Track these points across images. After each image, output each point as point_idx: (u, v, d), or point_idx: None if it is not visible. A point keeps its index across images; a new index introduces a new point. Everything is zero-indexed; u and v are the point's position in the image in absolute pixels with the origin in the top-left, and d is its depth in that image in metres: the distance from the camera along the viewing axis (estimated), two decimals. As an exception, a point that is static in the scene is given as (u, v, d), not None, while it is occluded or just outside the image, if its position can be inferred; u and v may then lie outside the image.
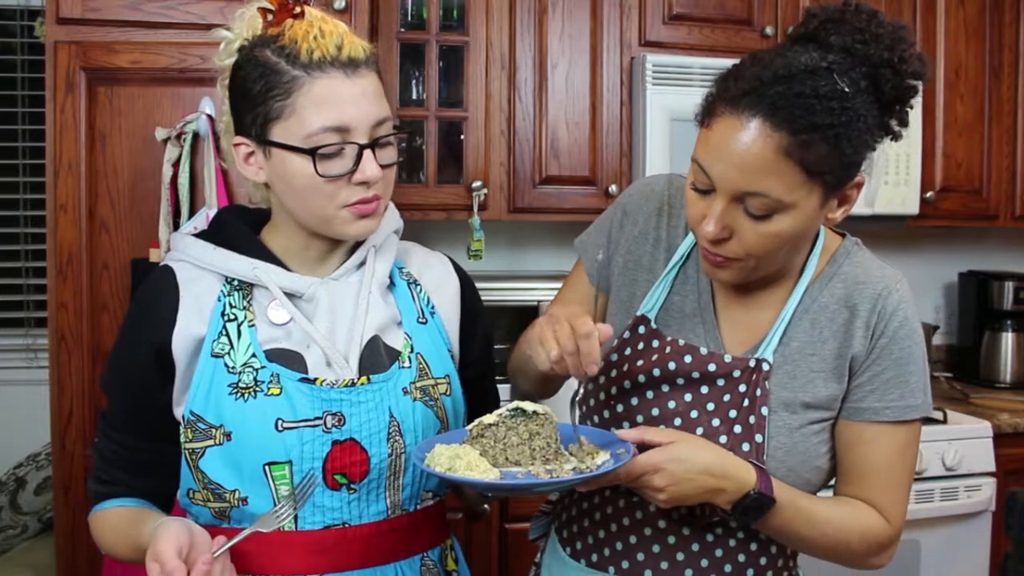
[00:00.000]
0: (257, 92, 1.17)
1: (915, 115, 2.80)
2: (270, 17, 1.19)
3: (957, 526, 2.59)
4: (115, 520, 1.23)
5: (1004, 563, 1.50)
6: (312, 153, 1.14)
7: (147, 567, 1.05)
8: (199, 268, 1.23)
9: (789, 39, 1.17)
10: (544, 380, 1.30)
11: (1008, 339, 3.17)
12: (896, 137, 1.17)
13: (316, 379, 1.19)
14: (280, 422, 1.16)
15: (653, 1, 2.68)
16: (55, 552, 2.10)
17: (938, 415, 2.69)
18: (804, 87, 1.06)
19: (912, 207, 2.83)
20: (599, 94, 2.66)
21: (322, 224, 1.20)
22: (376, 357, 1.24)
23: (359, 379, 1.21)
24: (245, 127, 1.20)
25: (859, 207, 2.73)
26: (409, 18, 2.57)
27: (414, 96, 2.59)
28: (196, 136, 2.01)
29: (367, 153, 1.16)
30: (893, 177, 2.79)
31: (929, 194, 2.89)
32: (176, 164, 2.02)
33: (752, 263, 1.15)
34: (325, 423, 1.18)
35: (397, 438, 1.21)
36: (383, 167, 1.18)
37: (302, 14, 1.19)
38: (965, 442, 2.60)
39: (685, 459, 1.10)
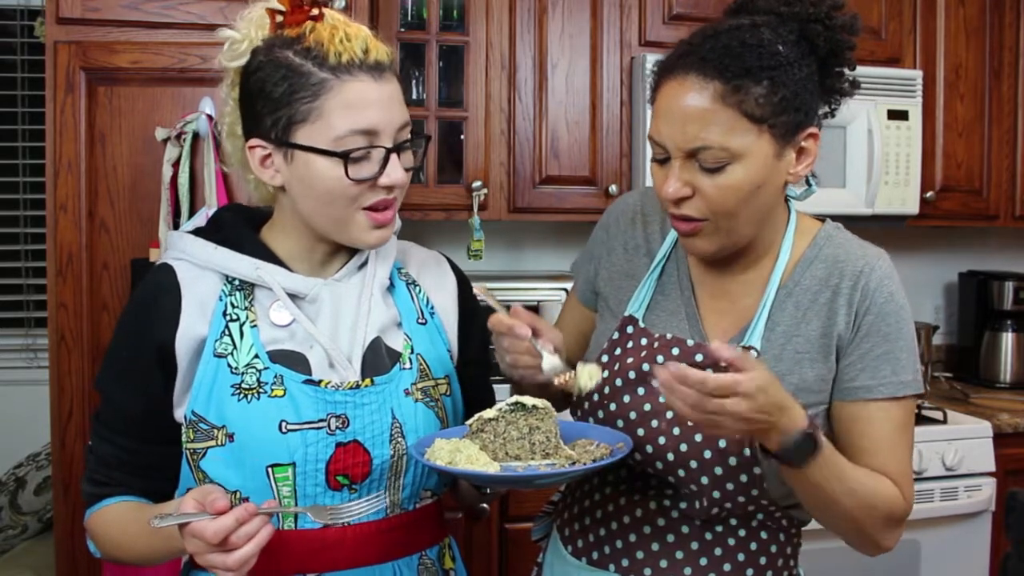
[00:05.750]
0: (280, 94, 1.15)
1: (915, 115, 2.80)
2: (279, 18, 1.17)
3: (957, 526, 2.58)
4: (123, 513, 1.20)
5: (1004, 563, 1.50)
6: (344, 157, 1.13)
7: (188, 546, 1.04)
8: (199, 267, 1.22)
9: (723, 15, 1.24)
10: (542, 387, 1.30)
11: (1008, 339, 3.16)
12: (845, 94, 1.22)
13: (320, 381, 1.19)
14: (284, 424, 1.16)
15: (653, 1, 2.68)
16: (55, 552, 2.10)
17: (938, 415, 2.69)
18: (730, 40, 1.13)
19: (912, 207, 2.83)
20: (599, 94, 2.66)
21: (338, 229, 1.19)
22: (378, 358, 1.23)
23: (363, 381, 1.20)
24: (263, 129, 1.17)
25: (859, 207, 2.73)
26: (409, 18, 2.57)
27: (414, 96, 2.59)
28: (196, 136, 2.01)
29: (393, 157, 1.16)
30: (893, 177, 2.79)
31: (929, 194, 2.89)
32: (176, 164, 2.02)
33: (721, 224, 1.16)
34: (329, 425, 1.17)
35: (399, 439, 1.21)
36: (408, 171, 1.19)
37: (321, 16, 1.17)
38: (965, 442, 2.59)
39: (769, 387, 1.02)
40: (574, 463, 1.13)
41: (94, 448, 1.23)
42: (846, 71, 1.22)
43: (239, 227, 1.25)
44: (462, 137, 2.61)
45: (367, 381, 1.21)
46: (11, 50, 2.99)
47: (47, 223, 2.06)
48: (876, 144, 2.71)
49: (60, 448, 2.05)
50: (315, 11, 1.17)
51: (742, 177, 1.13)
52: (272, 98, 1.15)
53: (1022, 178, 3.04)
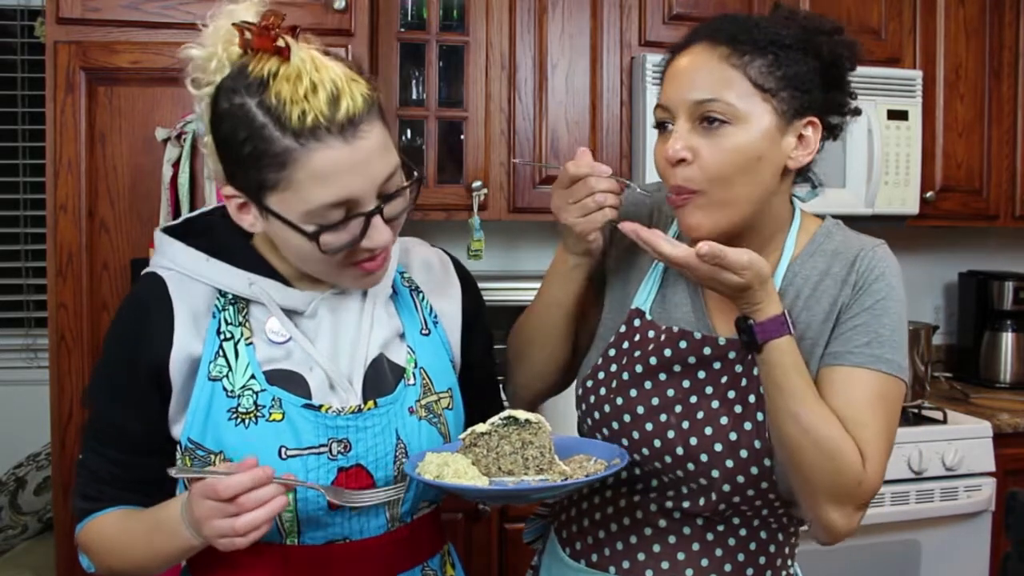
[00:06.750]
0: (246, 156, 1.05)
1: (915, 115, 2.80)
2: (248, 36, 1.06)
3: (957, 526, 2.58)
4: (120, 517, 1.16)
5: (1004, 563, 1.50)
6: (316, 237, 1.05)
7: (196, 508, 1.02)
8: (190, 278, 1.15)
9: None
10: (578, 304, 1.32)
11: (1008, 339, 3.16)
12: (845, 113, 1.24)
13: (321, 406, 1.14)
14: (284, 449, 1.11)
15: (653, 1, 2.67)
16: (55, 552, 2.10)
17: (938, 415, 2.69)
18: (738, 18, 1.23)
19: (912, 207, 2.83)
20: (599, 94, 2.66)
21: (325, 277, 1.15)
22: (381, 377, 1.19)
23: (365, 404, 1.16)
24: (235, 182, 1.09)
25: (859, 207, 2.73)
26: (409, 18, 2.57)
27: (414, 96, 2.59)
28: (196, 136, 2.01)
29: (375, 220, 1.07)
30: (893, 177, 2.79)
31: (929, 194, 2.89)
32: (176, 164, 2.02)
33: (716, 195, 1.16)
34: (331, 450, 1.13)
35: (403, 459, 1.17)
36: (392, 221, 1.10)
37: (287, 52, 1.04)
38: (965, 442, 2.59)
39: (764, 274, 1.11)
40: (567, 479, 1.11)
41: (86, 462, 1.19)
42: (848, 92, 1.24)
43: (230, 234, 1.17)
44: (462, 137, 2.61)
45: (370, 404, 1.16)
46: (11, 50, 2.99)
47: (47, 223, 2.06)
48: (876, 144, 2.71)
49: (60, 448, 2.05)
50: (280, 43, 1.04)
51: (742, 142, 1.15)
52: (239, 157, 1.06)
53: (1022, 178, 3.04)
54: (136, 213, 2.06)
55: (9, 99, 2.99)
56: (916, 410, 2.75)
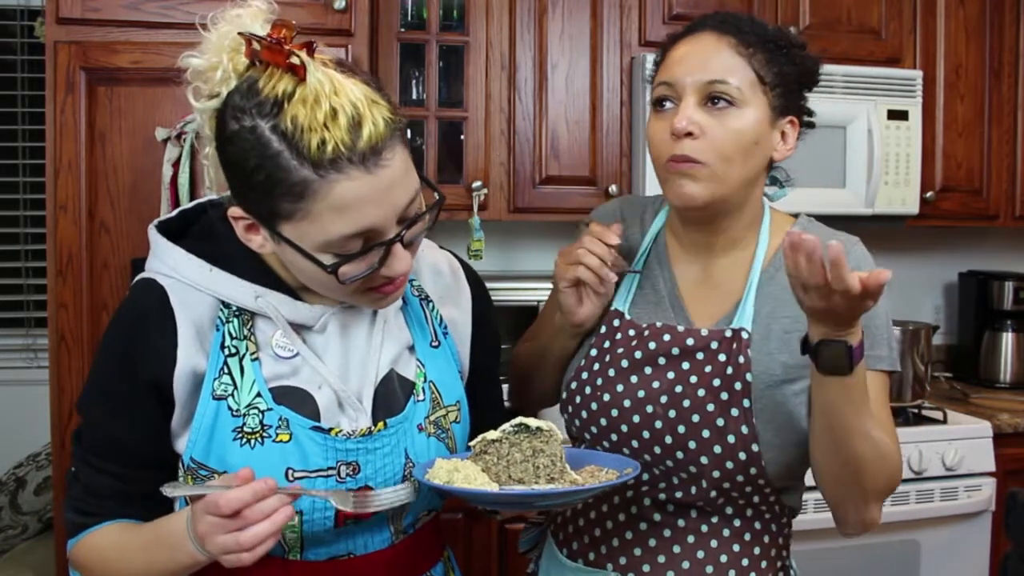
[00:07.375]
0: (258, 183, 0.98)
1: (915, 115, 2.80)
2: (256, 46, 0.98)
3: (957, 526, 2.59)
4: (118, 531, 1.11)
5: (1004, 563, 1.51)
6: (334, 270, 1.01)
7: (199, 525, 0.98)
8: (193, 288, 1.10)
9: None
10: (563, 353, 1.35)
11: (1008, 339, 3.17)
12: (806, 124, 1.30)
13: (331, 429, 1.10)
14: (290, 472, 1.07)
15: (653, 1, 2.68)
16: (55, 552, 2.10)
17: (938, 415, 2.69)
18: (739, 15, 1.29)
19: (912, 207, 2.83)
20: (599, 94, 2.66)
21: (341, 299, 1.11)
22: (391, 395, 1.16)
23: (376, 425, 1.12)
24: (244, 205, 1.03)
25: (859, 207, 2.73)
26: (409, 18, 2.57)
27: (414, 96, 2.59)
28: (196, 136, 2.01)
29: (395, 248, 1.03)
30: (893, 177, 2.79)
31: (929, 194, 2.89)
32: (176, 164, 2.02)
33: (717, 171, 1.20)
34: (339, 473, 1.09)
35: (411, 479, 1.14)
36: (411, 245, 1.06)
37: (302, 71, 0.96)
38: (965, 442, 2.59)
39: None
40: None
41: (80, 476, 1.13)
42: (809, 105, 1.31)
43: (233, 241, 1.09)
44: (462, 137, 2.61)
45: (380, 425, 1.13)
46: (11, 50, 2.99)
47: (47, 223, 2.06)
48: (876, 144, 2.71)
49: (60, 448, 2.05)
50: (295, 59, 0.97)
51: (746, 124, 1.21)
52: (251, 183, 0.99)
53: (1022, 178, 3.04)
54: (136, 213, 2.06)
55: (9, 99, 2.99)
56: (916, 410, 2.75)
